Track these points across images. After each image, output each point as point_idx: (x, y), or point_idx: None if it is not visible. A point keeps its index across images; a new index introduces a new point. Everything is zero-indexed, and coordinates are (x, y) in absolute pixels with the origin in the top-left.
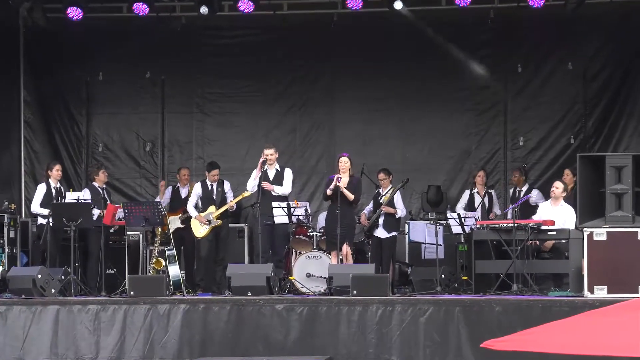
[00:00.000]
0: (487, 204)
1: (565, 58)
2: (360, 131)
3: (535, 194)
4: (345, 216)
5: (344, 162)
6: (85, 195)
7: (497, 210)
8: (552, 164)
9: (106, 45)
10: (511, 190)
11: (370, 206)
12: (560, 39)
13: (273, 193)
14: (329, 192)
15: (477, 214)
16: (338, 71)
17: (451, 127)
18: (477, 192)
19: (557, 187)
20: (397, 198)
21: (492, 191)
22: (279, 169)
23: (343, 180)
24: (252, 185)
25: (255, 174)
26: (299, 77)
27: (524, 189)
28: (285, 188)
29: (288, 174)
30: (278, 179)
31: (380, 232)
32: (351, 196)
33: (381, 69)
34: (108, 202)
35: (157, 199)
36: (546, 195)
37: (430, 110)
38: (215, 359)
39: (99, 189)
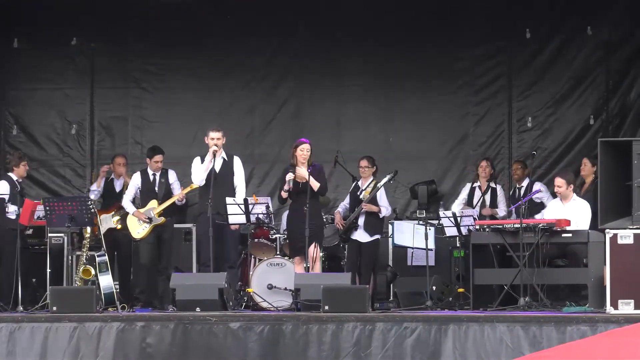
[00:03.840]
0: (487, 201)
1: (583, 21)
2: (334, 111)
3: (541, 190)
4: (311, 215)
5: (306, 151)
6: (1, 189)
7: (501, 208)
8: (567, 151)
9: (22, 5)
10: (511, 191)
11: (346, 202)
12: None
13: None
14: (284, 194)
15: (475, 212)
16: (307, 38)
17: (444, 105)
18: (479, 187)
19: (559, 185)
20: (381, 194)
21: (498, 187)
22: (225, 158)
23: (300, 173)
24: (200, 178)
25: (206, 166)
26: (258, 44)
27: (524, 184)
28: (241, 188)
29: (238, 164)
30: (226, 170)
31: (360, 235)
32: (316, 184)
33: (360, 34)
34: (25, 198)
35: (93, 187)
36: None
37: (418, 86)
38: None
39: (16, 182)
